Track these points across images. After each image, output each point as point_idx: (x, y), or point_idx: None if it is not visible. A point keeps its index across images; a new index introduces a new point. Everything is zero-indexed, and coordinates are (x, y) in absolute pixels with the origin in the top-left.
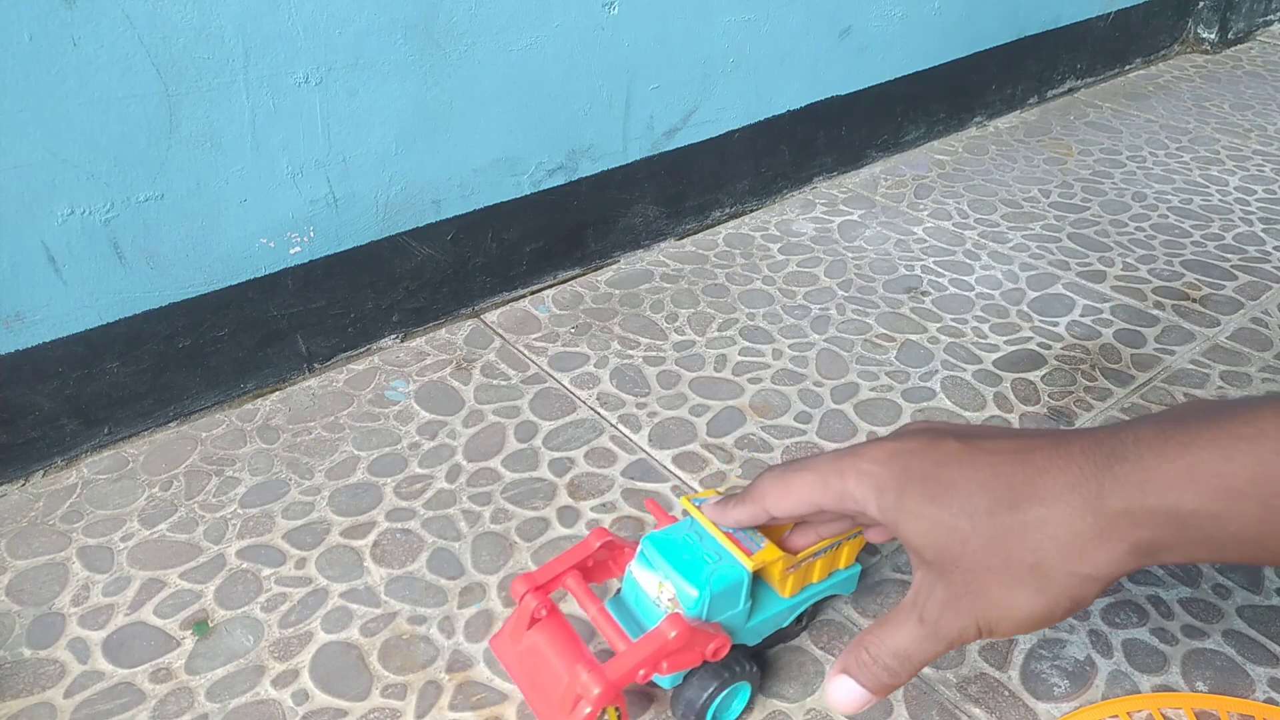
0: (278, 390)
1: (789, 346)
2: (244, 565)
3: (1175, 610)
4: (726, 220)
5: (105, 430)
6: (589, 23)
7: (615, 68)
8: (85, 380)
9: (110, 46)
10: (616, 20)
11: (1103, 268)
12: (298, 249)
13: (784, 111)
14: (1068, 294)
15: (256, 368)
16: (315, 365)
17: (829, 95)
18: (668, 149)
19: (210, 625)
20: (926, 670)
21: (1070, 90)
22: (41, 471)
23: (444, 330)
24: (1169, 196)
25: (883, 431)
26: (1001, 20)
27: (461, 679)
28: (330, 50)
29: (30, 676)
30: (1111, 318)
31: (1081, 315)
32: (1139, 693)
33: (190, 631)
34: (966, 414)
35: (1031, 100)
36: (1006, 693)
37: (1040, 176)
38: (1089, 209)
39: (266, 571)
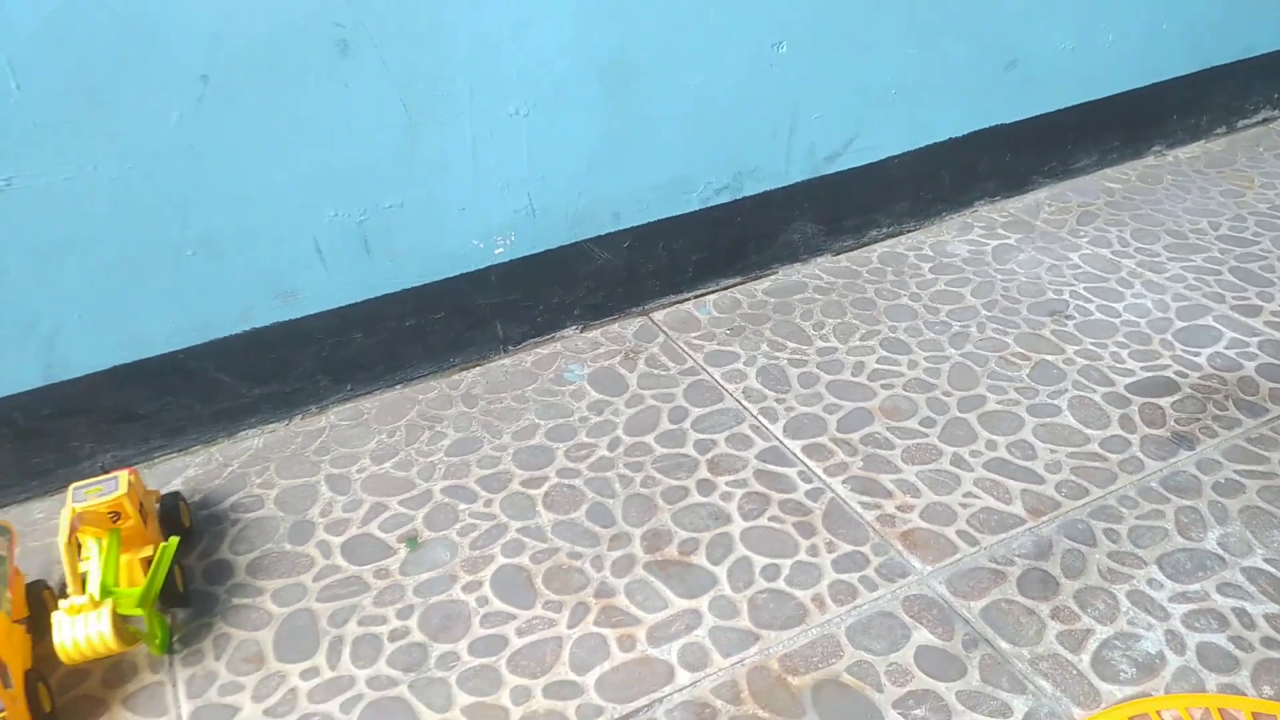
0: (478, 366)
1: (924, 358)
2: (446, 499)
3: (1258, 623)
4: (883, 239)
5: (348, 387)
6: (759, 60)
7: (780, 99)
8: (336, 347)
9: (371, 87)
10: (784, 58)
11: (1260, 303)
12: (501, 250)
13: (945, 139)
14: (1217, 326)
15: (463, 346)
16: (509, 347)
17: (993, 124)
18: (828, 172)
19: (419, 541)
20: (1002, 644)
21: (1265, 120)
22: (300, 415)
23: (617, 325)
24: None
25: (1002, 442)
26: (1184, 51)
27: (605, 604)
28: (537, 89)
29: (290, 563)
30: (1258, 351)
31: (1227, 348)
32: (1204, 690)
33: (404, 544)
34: (1088, 431)
35: (1219, 130)
36: (1075, 672)
37: (1213, 209)
38: (1259, 243)
39: (462, 506)
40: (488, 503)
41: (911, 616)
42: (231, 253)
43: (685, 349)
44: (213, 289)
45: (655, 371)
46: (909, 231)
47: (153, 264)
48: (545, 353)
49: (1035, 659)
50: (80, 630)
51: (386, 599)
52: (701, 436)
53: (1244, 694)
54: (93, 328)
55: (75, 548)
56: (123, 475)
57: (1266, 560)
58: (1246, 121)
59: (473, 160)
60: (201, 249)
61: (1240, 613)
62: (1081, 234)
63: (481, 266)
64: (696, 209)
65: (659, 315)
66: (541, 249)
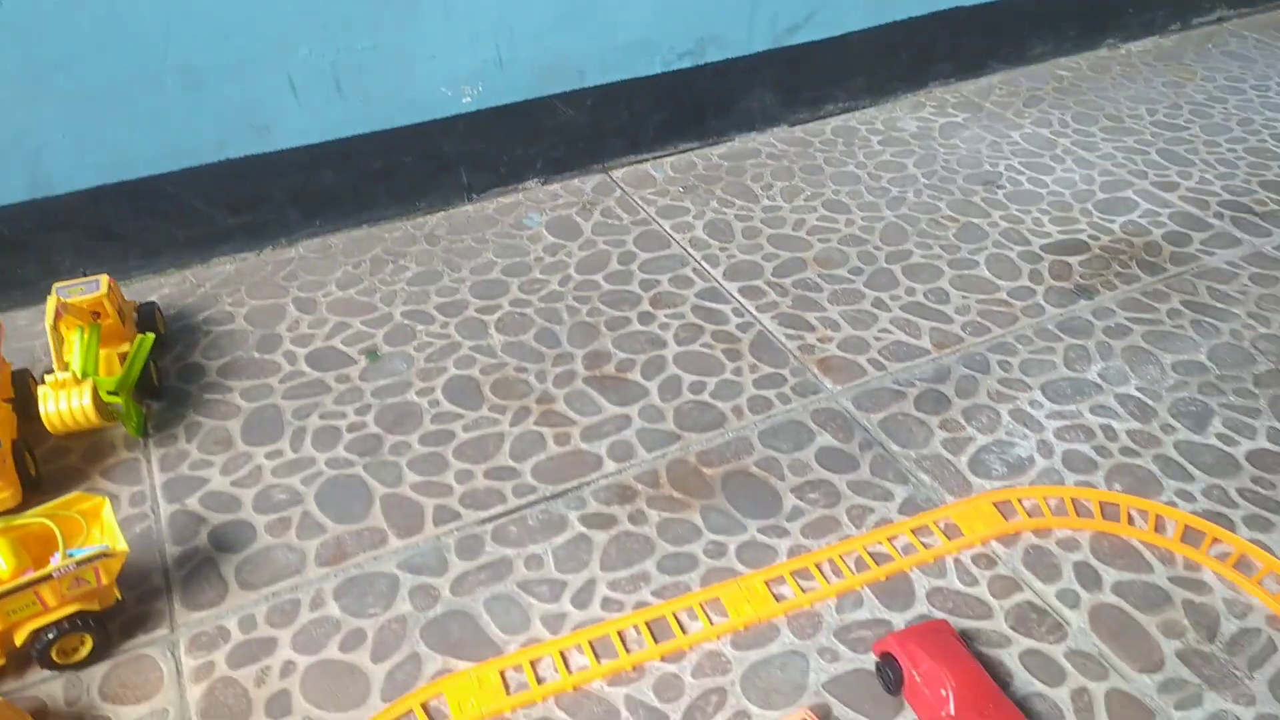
0: (442, 211)
1: (861, 218)
2: (405, 321)
3: (1120, 436)
4: (839, 114)
5: (316, 223)
6: None
7: None
8: (307, 183)
9: None
10: None
11: (1179, 180)
12: (468, 99)
13: (905, 18)
14: (1135, 198)
15: (428, 191)
16: (473, 195)
17: (952, 5)
18: (789, 44)
19: (379, 354)
20: (893, 446)
21: (1220, 19)
22: (271, 246)
23: (576, 180)
24: (1277, 124)
25: (920, 289)
26: None
27: (546, 408)
28: None
29: (258, 368)
30: (1167, 221)
31: (1140, 217)
32: (1064, 484)
33: (365, 356)
34: (999, 281)
35: (1173, 26)
36: (953, 469)
37: (1153, 97)
38: (1189, 129)
39: (420, 327)
40: (444, 325)
41: (817, 425)
42: (209, 83)
43: (639, 203)
44: (191, 118)
45: (609, 221)
46: (864, 108)
47: (134, 90)
48: (507, 201)
49: (920, 458)
50: (64, 403)
51: (346, 399)
52: (647, 277)
53: (1097, 489)
54: (76, 147)
55: (59, 337)
56: (104, 278)
57: (1139, 389)
58: (1202, 19)
59: (444, 8)
60: (181, 78)
61: (1106, 429)
62: (1026, 115)
63: (449, 114)
64: (659, 72)
65: (618, 173)
66: (507, 101)
